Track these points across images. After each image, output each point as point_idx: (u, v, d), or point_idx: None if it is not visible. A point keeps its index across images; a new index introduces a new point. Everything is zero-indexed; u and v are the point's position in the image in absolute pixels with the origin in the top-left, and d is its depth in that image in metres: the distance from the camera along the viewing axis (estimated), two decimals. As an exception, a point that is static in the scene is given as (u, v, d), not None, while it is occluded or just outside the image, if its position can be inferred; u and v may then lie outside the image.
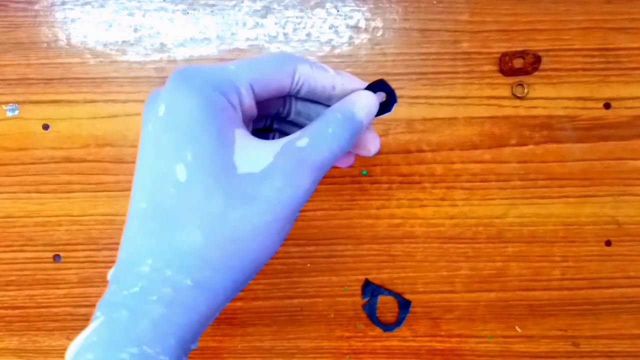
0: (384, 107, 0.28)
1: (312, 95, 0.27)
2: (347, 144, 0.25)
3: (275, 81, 0.25)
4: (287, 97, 0.28)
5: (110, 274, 0.23)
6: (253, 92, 0.25)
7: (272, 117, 0.30)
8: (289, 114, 0.29)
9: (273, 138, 0.31)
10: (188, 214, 0.22)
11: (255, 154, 0.23)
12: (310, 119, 0.29)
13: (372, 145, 0.28)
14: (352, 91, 0.27)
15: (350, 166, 0.30)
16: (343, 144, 0.25)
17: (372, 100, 0.27)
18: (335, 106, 0.26)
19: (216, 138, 0.22)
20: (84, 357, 0.20)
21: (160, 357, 0.21)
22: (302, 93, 0.27)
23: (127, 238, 0.23)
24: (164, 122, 0.23)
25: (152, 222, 0.22)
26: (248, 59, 0.25)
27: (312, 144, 0.24)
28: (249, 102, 0.25)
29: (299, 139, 0.24)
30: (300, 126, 0.29)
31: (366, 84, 0.28)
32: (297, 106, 0.29)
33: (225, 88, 0.24)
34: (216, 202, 0.22)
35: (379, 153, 0.29)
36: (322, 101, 0.28)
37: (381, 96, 0.28)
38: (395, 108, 0.29)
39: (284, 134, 0.30)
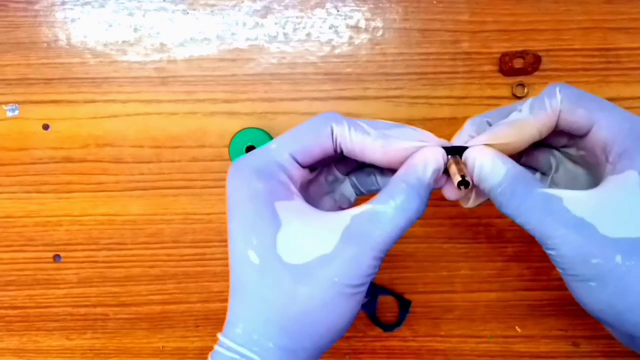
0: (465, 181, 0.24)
1: (354, 157, 0.26)
2: (416, 214, 0.24)
3: (316, 146, 0.26)
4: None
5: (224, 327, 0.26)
6: (297, 162, 0.26)
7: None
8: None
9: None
10: (266, 291, 0.24)
11: (315, 234, 0.24)
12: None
13: (449, 193, 0.27)
14: (400, 152, 0.25)
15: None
16: (412, 215, 0.24)
17: (436, 155, 0.25)
18: (399, 174, 0.25)
19: (272, 222, 0.25)
20: None
21: None
22: (344, 153, 0.26)
23: (230, 304, 0.26)
24: (230, 213, 0.26)
25: (241, 295, 0.25)
26: (289, 131, 0.26)
27: (375, 223, 0.24)
28: (298, 172, 0.26)
29: (361, 216, 0.24)
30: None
31: (423, 141, 0.25)
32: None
33: (270, 170, 0.26)
34: (286, 282, 0.24)
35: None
36: (368, 162, 0.27)
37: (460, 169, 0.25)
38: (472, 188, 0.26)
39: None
